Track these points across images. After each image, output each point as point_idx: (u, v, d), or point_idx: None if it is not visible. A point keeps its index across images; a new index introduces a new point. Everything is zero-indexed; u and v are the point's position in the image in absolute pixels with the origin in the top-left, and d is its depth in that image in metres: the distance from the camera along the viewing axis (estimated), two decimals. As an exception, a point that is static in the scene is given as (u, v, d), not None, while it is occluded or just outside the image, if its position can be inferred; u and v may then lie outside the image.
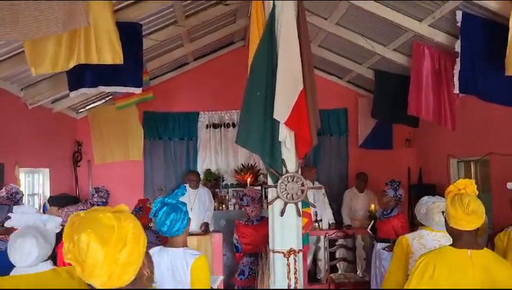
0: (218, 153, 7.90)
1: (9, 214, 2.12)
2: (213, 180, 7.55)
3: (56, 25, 3.07)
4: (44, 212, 4.70)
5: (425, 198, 3.20)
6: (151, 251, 2.06)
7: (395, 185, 5.10)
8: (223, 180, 7.67)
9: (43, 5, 3.03)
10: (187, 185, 6.42)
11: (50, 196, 6.06)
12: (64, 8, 3.10)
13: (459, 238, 2.23)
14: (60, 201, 4.38)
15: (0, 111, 5.03)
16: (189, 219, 2.65)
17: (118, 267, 1.31)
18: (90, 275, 1.31)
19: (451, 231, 2.28)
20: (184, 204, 2.66)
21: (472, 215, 2.16)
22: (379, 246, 5.10)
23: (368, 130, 7.58)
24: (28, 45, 3.53)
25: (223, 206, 7.33)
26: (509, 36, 3.57)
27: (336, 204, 7.16)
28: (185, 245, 2.65)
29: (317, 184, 6.68)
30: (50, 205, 4.59)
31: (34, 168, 6.11)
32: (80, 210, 3.34)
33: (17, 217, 2.10)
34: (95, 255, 1.28)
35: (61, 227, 2.22)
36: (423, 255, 2.30)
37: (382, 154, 7.59)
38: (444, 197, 2.46)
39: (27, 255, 1.96)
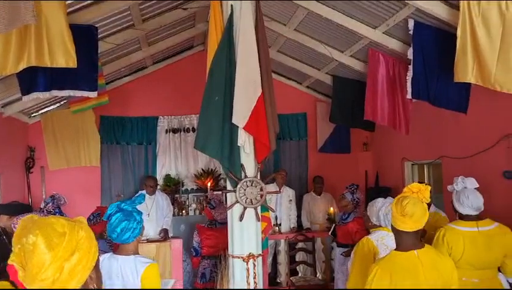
0: (177, 158, 7.81)
1: None
2: (173, 186, 7.45)
3: (2, 22, 2.94)
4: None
5: (380, 200, 3.28)
6: (100, 258, 2.00)
7: (352, 189, 5.19)
8: (182, 186, 7.59)
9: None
10: (144, 191, 6.31)
11: (0, 204, 5.80)
12: (8, 6, 2.97)
13: (400, 240, 2.31)
14: (10, 209, 4.20)
15: None
16: (142, 228, 2.61)
17: (63, 274, 1.27)
18: (33, 279, 1.26)
19: (393, 230, 2.36)
20: (140, 213, 2.62)
21: (406, 217, 2.23)
22: (338, 250, 5.17)
23: (326, 135, 7.72)
24: (-26, 46, 3.36)
25: (183, 211, 7.26)
26: (457, 44, 3.73)
27: (296, 208, 7.23)
28: (135, 253, 2.60)
29: (286, 188, 6.79)
30: (0, 213, 4.38)
31: (-18, 175, 5.83)
32: None
33: None
34: (41, 258, 1.25)
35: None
36: (375, 264, 2.36)
37: (340, 158, 7.75)
38: None
39: None
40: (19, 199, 6.17)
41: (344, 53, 6.04)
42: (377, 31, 5.12)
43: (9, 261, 1.28)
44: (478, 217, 3.17)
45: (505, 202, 3.21)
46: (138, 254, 2.62)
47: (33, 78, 4.34)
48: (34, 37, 3.45)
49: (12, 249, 1.32)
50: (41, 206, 4.88)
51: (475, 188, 3.25)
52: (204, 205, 6.85)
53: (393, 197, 3.22)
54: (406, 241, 2.28)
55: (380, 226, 3.21)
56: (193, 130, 7.74)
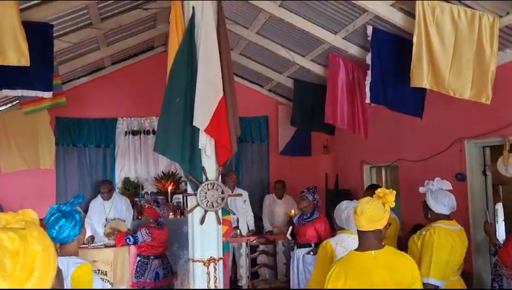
0: (137, 160, 7.65)
1: None
2: (132, 189, 7.29)
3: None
4: None
5: (345, 203, 3.33)
6: None
7: (312, 190, 5.25)
8: (142, 189, 7.43)
9: None
10: (100, 196, 6.14)
11: None
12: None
13: (360, 240, 2.38)
14: None
15: None
16: (81, 228, 2.57)
17: None
18: None
19: (358, 233, 2.42)
20: (78, 213, 2.59)
21: (360, 216, 2.30)
22: (300, 251, 5.17)
23: (287, 138, 7.79)
24: None
25: (142, 215, 7.09)
26: (413, 51, 3.85)
27: (257, 210, 7.25)
28: (75, 254, 2.55)
29: (238, 190, 6.73)
30: None
31: None
32: None
33: None
34: None
35: None
36: (335, 263, 2.40)
37: (301, 161, 7.83)
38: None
39: None
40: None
41: (305, 57, 6.11)
42: (337, 36, 5.21)
43: None
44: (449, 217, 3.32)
45: (458, 202, 3.38)
46: (77, 255, 2.56)
47: (-18, 77, 4.14)
48: (-17, 34, 3.29)
49: None
50: None
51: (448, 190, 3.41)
52: (146, 205, 6.78)
53: (354, 200, 3.31)
54: (364, 241, 2.33)
55: (344, 229, 3.26)
56: (153, 132, 7.60)
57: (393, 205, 2.38)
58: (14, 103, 6.58)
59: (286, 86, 7.25)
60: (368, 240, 2.32)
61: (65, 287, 2.33)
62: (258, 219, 7.22)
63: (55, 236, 2.46)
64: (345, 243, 3.11)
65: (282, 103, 7.97)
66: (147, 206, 5.49)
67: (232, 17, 5.69)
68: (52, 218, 2.49)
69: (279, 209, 7.09)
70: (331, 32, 5.22)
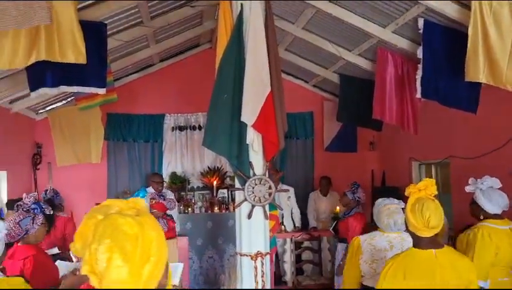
0: (184, 155, 7.81)
1: None
2: (179, 183, 7.45)
3: (15, 19, 2.94)
4: (1, 217, 4.48)
5: (380, 200, 3.25)
6: None
7: (353, 188, 5.20)
8: (189, 183, 7.59)
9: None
10: (150, 188, 6.31)
11: (8, 200, 5.80)
12: (22, 5, 2.98)
13: (420, 241, 2.29)
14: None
15: (-46, 111, 4.78)
16: None
17: (141, 283, 1.15)
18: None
19: (411, 234, 2.34)
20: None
21: (432, 229, 2.22)
22: (340, 246, 5.18)
23: (333, 134, 7.70)
24: (-15, 41, 3.37)
25: (189, 209, 7.24)
26: (468, 43, 3.70)
27: (302, 207, 7.23)
28: None
29: (283, 186, 6.73)
30: (8, 209, 4.37)
31: (-10, 171, 5.85)
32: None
33: None
34: (118, 273, 1.12)
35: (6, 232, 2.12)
36: (391, 259, 2.34)
37: (346, 157, 7.72)
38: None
39: None
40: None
41: (352, 52, 6.02)
42: (386, 29, 5.09)
43: (82, 272, 1.16)
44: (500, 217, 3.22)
45: (512, 201, 3.25)
46: None
47: (42, 74, 4.34)
48: (44, 32, 3.44)
49: (76, 244, 1.21)
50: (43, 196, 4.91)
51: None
52: (153, 201, 6.88)
53: (396, 198, 3.22)
54: (424, 241, 2.26)
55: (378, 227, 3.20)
56: (199, 128, 7.75)
57: (435, 193, 2.32)
58: (69, 99, 6.88)
59: (332, 81, 7.17)
60: (428, 240, 2.25)
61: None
62: (302, 215, 7.21)
63: None
64: (374, 241, 3.06)
65: (327, 98, 7.89)
66: (153, 202, 5.62)
67: (278, 12, 5.67)
68: None
69: (323, 205, 7.04)
70: (380, 25, 5.10)
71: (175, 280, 2.64)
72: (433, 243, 2.26)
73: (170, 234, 5.54)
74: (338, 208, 6.53)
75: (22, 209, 3.33)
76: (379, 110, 5.40)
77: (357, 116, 6.58)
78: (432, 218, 2.21)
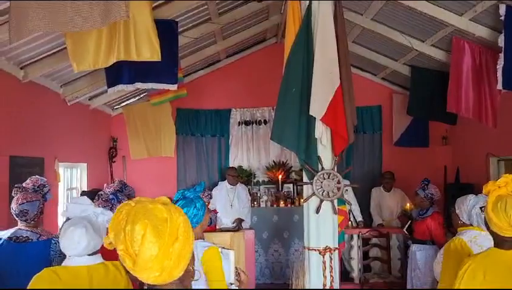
0: (249, 150, 7.90)
1: (66, 204, 2.16)
2: (245, 177, 7.56)
3: (95, 19, 3.11)
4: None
5: (472, 197, 3.06)
6: None
7: (423, 185, 4.97)
8: (254, 177, 7.68)
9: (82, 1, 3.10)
10: (225, 182, 6.45)
11: (82, 191, 6.19)
12: (101, 4, 3.14)
13: (503, 241, 2.14)
14: (91, 196, 4.36)
15: (41, 107, 5.17)
16: (204, 215, 2.64)
17: (171, 261, 1.27)
18: (142, 269, 1.26)
19: (493, 235, 2.19)
20: (200, 200, 2.66)
21: None
22: (414, 247, 4.98)
23: (402, 128, 7.43)
24: (70, 42, 3.61)
25: (255, 203, 7.33)
26: (558, 29, 3.42)
27: (366, 203, 7.06)
28: (200, 238, 2.64)
29: (345, 181, 6.59)
30: None
31: (72, 163, 6.27)
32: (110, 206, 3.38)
33: (72, 207, 2.14)
34: (150, 248, 1.24)
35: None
36: (469, 259, 2.21)
37: (417, 152, 7.43)
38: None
39: (76, 244, 2.01)
40: (103, 186, 6.58)
41: (425, 42, 5.75)
42: (463, 17, 4.81)
43: (119, 251, 1.28)
44: None
45: None
46: (203, 239, 2.68)
47: (118, 72, 4.60)
48: (122, 33, 3.63)
49: (110, 234, 1.32)
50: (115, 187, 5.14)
51: None
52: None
53: (480, 194, 3.02)
54: (508, 241, 2.12)
55: (471, 225, 3.02)
56: (265, 122, 7.81)
57: None
58: (142, 95, 7.21)
59: (402, 74, 6.91)
60: (510, 239, 2.11)
61: (196, 268, 2.49)
62: (364, 211, 7.04)
63: None
64: (478, 240, 2.87)
65: (397, 91, 7.62)
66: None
67: (346, 4, 5.54)
68: (177, 205, 2.61)
69: (387, 202, 6.81)
70: (456, 13, 4.83)
71: (229, 267, 2.69)
72: None
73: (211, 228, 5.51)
74: (408, 205, 6.30)
75: (102, 199, 3.55)
76: (454, 102, 5.13)
77: (430, 110, 6.30)
78: None
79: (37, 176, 3.18)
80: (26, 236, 2.84)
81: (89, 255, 2.06)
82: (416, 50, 5.91)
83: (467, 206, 3.05)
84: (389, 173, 6.92)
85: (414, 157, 7.42)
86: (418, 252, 4.88)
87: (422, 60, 6.23)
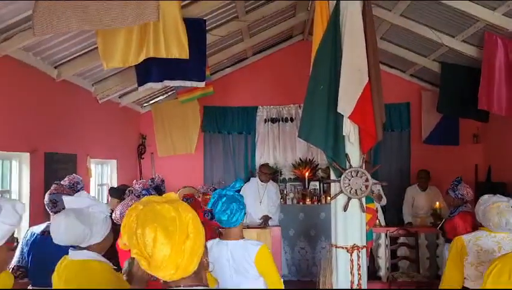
0: (276, 147, 7.92)
1: (63, 197, 2.20)
2: (271, 175, 7.57)
3: (126, 18, 3.18)
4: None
5: (486, 197, 2.99)
6: (208, 244, 2.09)
7: (453, 185, 4.87)
8: (280, 175, 7.68)
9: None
10: (256, 178, 6.48)
11: (110, 187, 6.31)
12: (135, 3, 3.21)
13: None
14: (119, 193, 4.39)
15: (74, 105, 5.32)
16: (245, 213, 2.67)
17: (184, 259, 1.31)
18: (157, 269, 1.32)
19: None
20: (241, 196, 2.68)
21: None
22: (446, 246, 4.90)
23: (432, 125, 7.30)
24: (101, 40, 3.70)
25: (281, 200, 7.33)
26: None
27: (396, 201, 6.98)
28: (242, 237, 2.66)
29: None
30: (111, 197, 4.65)
31: (103, 160, 6.42)
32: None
33: (69, 199, 2.15)
34: (162, 249, 1.29)
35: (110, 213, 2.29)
36: (496, 259, 2.18)
37: (447, 151, 7.29)
38: None
39: (61, 233, 2.01)
40: (131, 183, 6.71)
41: (456, 38, 5.63)
42: (496, 12, 4.70)
43: (132, 255, 1.32)
44: None
45: None
46: (244, 238, 2.69)
47: (148, 70, 4.69)
48: (152, 32, 3.70)
49: (123, 236, 1.37)
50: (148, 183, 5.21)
51: None
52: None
53: (502, 195, 2.95)
54: None
55: (480, 224, 2.96)
56: (291, 120, 7.81)
57: None
58: (170, 93, 7.31)
59: (431, 70, 6.79)
60: None
61: (249, 270, 2.53)
62: (394, 209, 6.95)
63: (226, 220, 2.58)
64: (480, 241, 2.85)
65: (426, 88, 7.49)
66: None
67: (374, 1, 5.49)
68: (220, 203, 2.60)
69: (421, 201, 6.71)
70: (488, 8, 4.72)
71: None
72: None
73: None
74: (438, 203, 6.19)
75: (133, 195, 3.62)
76: (486, 99, 5.02)
77: (460, 107, 6.17)
78: None
79: (74, 175, 3.41)
80: None
81: (78, 248, 2.05)
82: (447, 46, 5.79)
83: (478, 205, 2.99)
84: (424, 172, 6.78)
85: (443, 156, 7.28)
86: (447, 252, 4.80)
87: (453, 56, 6.11)
